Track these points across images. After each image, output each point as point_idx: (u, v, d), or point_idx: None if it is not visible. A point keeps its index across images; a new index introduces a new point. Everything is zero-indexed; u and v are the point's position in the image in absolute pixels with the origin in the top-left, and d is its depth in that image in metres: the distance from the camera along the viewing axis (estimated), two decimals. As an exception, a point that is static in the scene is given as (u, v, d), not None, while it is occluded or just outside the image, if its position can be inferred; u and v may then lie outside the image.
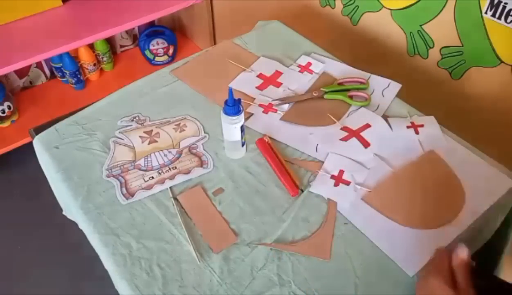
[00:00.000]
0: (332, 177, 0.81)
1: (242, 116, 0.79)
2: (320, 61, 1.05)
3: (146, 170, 0.83)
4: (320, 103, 0.95)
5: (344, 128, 0.89)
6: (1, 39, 1.50)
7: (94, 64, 1.86)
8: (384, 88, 0.98)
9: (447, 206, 0.76)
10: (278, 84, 1.00)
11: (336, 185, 0.80)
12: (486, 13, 0.88)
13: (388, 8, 1.08)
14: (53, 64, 1.84)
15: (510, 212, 0.82)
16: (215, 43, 1.96)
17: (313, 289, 0.67)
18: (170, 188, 0.80)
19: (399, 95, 0.97)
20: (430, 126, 0.89)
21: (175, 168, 0.83)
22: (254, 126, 0.90)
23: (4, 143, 1.65)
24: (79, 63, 1.81)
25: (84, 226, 0.77)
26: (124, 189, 0.80)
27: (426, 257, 0.70)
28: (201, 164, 0.84)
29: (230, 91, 0.76)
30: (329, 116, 0.92)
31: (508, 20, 0.85)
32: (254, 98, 0.96)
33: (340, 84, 0.99)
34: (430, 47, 1.03)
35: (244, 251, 0.71)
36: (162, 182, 0.81)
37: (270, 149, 0.85)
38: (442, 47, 1.01)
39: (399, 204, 0.77)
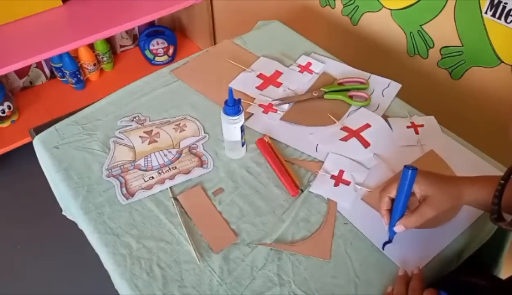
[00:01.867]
0: (332, 177, 0.81)
1: (242, 116, 0.79)
2: (320, 61, 1.05)
3: (146, 170, 0.83)
4: (320, 103, 0.95)
5: (344, 128, 0.89)
6: (1, 39, 1.50)
7: (94, 64, 1.86)
8: (384, 88, 0.98)
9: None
10: (278, 84, 1.00)
11: (336, 185, 0.80)
12: (486, 13, 0.88)
13: (388, 8, 1.08)
14: (53, 64, 1.83)
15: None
16: (215, 43, 1.96)
17: (313, 289, 0.67)
18: (170, 188, 0.80)
19: (399, 95, 0.97)
20: (430, 126, 0.89)
21: (175, 168, 0.83)
22: (254, 126, 0.90)
23: (4, 143, 1.65)
24: (79, 63, 1.81)
25: (84, 226, 0.77)
26: (124, 189, 0.80)
27: (426, 257, 0.70)
28: (201, 164, 0.84)
29: (230, 91, 0.76)
30: (329, 116, 0.92)
31: (508, 20, 0.85)
32: (254, 98, 0.96)
33: (340, 84, 0.99)
34: (430, 47, 1.03)
35: (244, 251, 0.71)
36: (162, 182, 0.81)
37: (270, 148, 0.85)
38: (442, 47, 1.01)
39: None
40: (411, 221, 0.66)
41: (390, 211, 0.68)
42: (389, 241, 0.70)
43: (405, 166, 0.64)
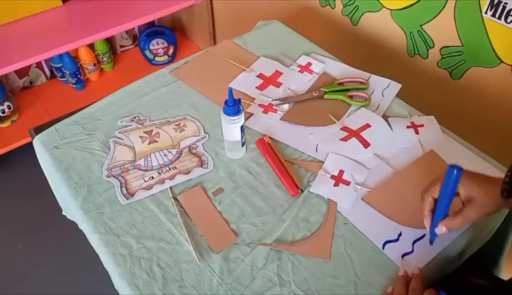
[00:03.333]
0: (332, 177, 0.81)
1: (242, 116, 0.79)
2: (320, 61, 1.05)
3: (146, 170, 0.83)
4: (320, 103, 0.95)
5: (344, 128, 0.89)
6: (1, 39, 1.50)
7: (94, 64, 1.86)
8: (384, 88, 0.98)
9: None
10: (278, 84, 1.00)
11: (336, 185, 0.80)
12: (486, 13, 0.88)
13: (388, 8, 1.08)
14: (53, 64, 1.83)
15: (510, 212, 0.82)
16: (215, 43, 1.96)
17: (313, 289, 0.67)
18: (170, 188, 0.80)
19: (399, 95, 0.97)
20: (430, 126, 0.89)
21: (175, 168, 0.83)
22: (254, 126, 0.90)
23: (4, 143, 1.65)
24: (79, 63, 1.81)
25: (84, 226, 0.77)
26: (124, 189, 0.80)
27: (426, 257, 0.70)
28: (201, 164, 0.84)
29: (230, 91, 0.76)
30: (329, 116, 0.92)
31: (508, 20, 0.85)
32: (254, 98, 0.96)
33: (340, 84, 0.99)
34: (430, 47, 1.03)
35: (244, 251, 0.71)
36: (162, 182, 0.81)
37: (270, 149, 0.85)
38: (442, 47, 1.01)
39: (399, 204, 0.77)
40: (454, 223, 0.64)
41: (433, 212, 0.66)
42: (431, 243, 0.69)
43: (450, 165, 0.61)
